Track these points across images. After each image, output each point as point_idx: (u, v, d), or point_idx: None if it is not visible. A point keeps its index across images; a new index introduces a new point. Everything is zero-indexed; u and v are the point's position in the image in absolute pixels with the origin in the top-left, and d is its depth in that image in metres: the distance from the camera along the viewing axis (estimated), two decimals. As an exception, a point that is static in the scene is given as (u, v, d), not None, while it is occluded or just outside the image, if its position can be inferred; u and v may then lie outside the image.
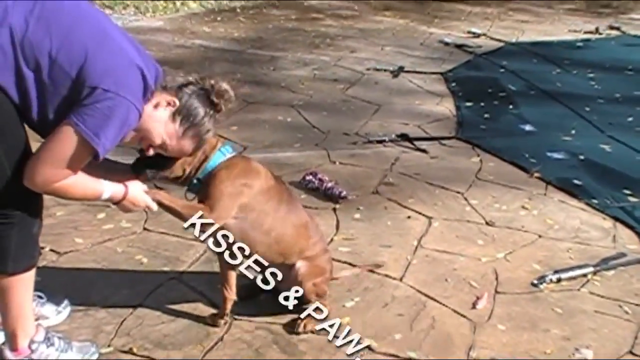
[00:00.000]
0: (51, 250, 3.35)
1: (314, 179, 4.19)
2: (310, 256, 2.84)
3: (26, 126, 2.27)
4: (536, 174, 4.57)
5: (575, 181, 4.49)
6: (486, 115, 5.87)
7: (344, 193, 4.07)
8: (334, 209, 3.97)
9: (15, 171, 2.23)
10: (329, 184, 4.13)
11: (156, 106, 2.41)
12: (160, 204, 2.57)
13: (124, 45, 2.28)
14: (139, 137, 2.45)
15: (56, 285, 3.02)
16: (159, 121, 2.43)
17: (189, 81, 2.54)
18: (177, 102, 2.44)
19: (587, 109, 6.11)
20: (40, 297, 2.82)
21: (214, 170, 2.64)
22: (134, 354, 2.69)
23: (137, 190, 2.51)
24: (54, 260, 3.30)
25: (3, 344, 2.51)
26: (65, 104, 2.19)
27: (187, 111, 2.46)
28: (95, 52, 2.18)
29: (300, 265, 2.81)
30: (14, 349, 2.48)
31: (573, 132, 5.49)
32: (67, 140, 2.18)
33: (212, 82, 2.54)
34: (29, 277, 2.42)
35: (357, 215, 3.91)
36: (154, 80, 2.34)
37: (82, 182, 2.32)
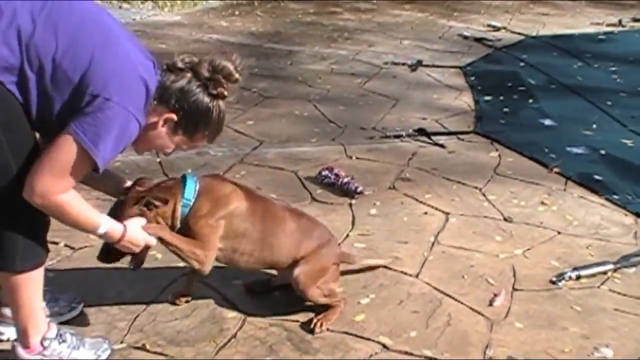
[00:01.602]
0: (65, 245, 3.34)
1: (330, 174, 4.15)
2: (306, 257, 2.82)
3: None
4: (556, 169, 4.50)
5: (596, 176, 4.42)
6: (505, 110, 5.80)
7: (360, 188, 4.03)
8: (350, 205, 3.93)
9: (21, 169, 2.22)
10: (345, 179, 4.10)
11: (155, 126, 2.36)
12: (161, 240, 2.56)
13: (131, 50, 2.25)
14: (151, 148, 2.45)
15: (69, 281, 3.02)
16: (164, 137, 2.40)
17: (183, 75, 2.36)
18: (175, 117, 2.36)
19: (609, 103, 6.01)
20: (52, 292, 2.81)
21: (188, 215, 2.62)
22: (147, 350, 2.67)
23: (136, 230, 2.47)
24: (68, 255, 3.30)
25: (15, 340, 2.50)
26: (66, 109, 2.17)
27: (189, 118, 2.37)
28: (101, 58, 2.15)
29: (298, 274, 2.79)
30: (26, 346, 2.47)
31: (594, 126, 5.41)
32: (66, 149, 2.16)
33: (207, 68, 2.37)
34: (38, 274, 2.41)
35: (373, 211, 3.87)
36: (154, 90, 2.30)
37: (79, 205, 2.28)
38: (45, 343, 2.48)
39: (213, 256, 2.66)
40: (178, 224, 2.61)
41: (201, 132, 2.44)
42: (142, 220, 2.51)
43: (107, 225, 2.37)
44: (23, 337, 2.48)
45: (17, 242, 2.32)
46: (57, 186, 2.18)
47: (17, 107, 2.16)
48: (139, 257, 2.60)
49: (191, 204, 2.60)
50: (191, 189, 2.62)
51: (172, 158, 4.48)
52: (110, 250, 2.54)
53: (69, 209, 2.24)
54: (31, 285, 2.39)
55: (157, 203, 2.54)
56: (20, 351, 2.48)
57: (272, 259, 2.81)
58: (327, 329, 2.80)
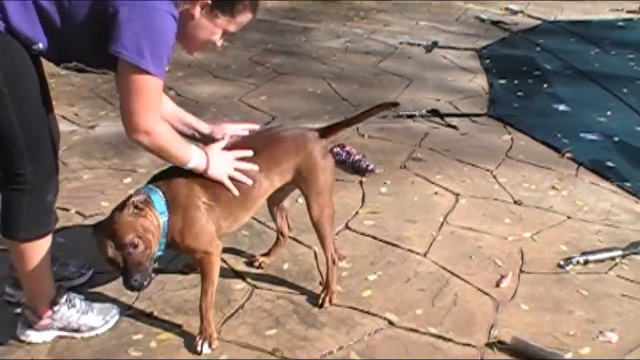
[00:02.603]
0: (77, 212, 3.37)
1: (341, 151, 4.15)
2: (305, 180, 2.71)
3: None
4: (568, 155, 4.48)
5: (608, 163, 4.39)
6: (519, 94, 5.77)
7: (371, 166, 4.03)
8: (361, 182, 3.94)
9: (24, 126, 2.23)
10: (357, 157, 4.10)
11: (192, 16, 2.30)
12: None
13: None
14: (199, 45, 2.41)
15: (80, 247, 3.05)
16: (206, 26, 2.34)
17: None
18: (209, 0, 2.30)
19: (625, 90, 5.96)
20: (63, 258, 2.84)
21: (169, 227, 2.39)
22: (154, 317, 2.70)
23: (215, 168, 2.46)
24: (79, 222, 3.33)
25: (26, 307, 2.53)
26: (96, 27, 2.15)
27: None
28: None
29: (316, 219, 2.75)
30: (35, 310, 2.51)
31: (609, 113, 5.36)
32: (123, 75, 2.17)
33: None
34: (45, 243, 2.43)
35: (384, 190, 3.88)
36: None
37: (175, 138, 2.34)
38: (55, 307, 2.52)
39: (219, 247, 2.55)
40: (162, 241, 2.38)
41: (240, 4, 2.36)
42: (221, 166, 2.47)
43: (196, 160, 2.40)
44: (32, 302, 2.51)
45: (22, 212, 2.34)
46: (143, 116, 2.20)
47: (25, 59, 2.18)
48: (142, 272, 2.27)
49: (166, 218, 2.37)
50: (159, 201, 2.38)
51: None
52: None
53: (169, 140, 2.30)
54: (38, 253, 2.42)
55: (141, 205, 2.30)
56: (30, 315, 2.52)
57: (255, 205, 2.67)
58: (334, 304, 2.81)
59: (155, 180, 2.49)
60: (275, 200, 2.92)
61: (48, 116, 2.32)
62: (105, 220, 2.30)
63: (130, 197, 2.32)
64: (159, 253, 2.38)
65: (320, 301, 2.82)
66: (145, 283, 2.27)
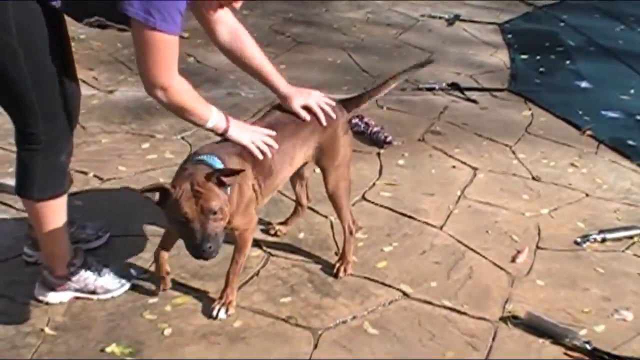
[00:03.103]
0: (95, 176, 3.38)
1: (360, 122, 4.13)
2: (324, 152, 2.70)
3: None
4: (588, 132, 4.44)
5: (629, 142, 4.34)
6: (541, 69, 5.70)
7: (389, 138, 4.01)
8: (378, 154, 3.93)
9: (38, 87, 2.23)
10: (375, 129, 4.08)
11: None
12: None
13: None
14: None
15: (97, 210, 3.07)
16: None
17: None
18: None
19: (649, 68, 5.88)
20: (80, 220, 2.86)
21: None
22: (171, 280, 2.72)
23: (237, 132, 2.45)
24: (96, 186, 3.34)
25: (44, 267, 2.56)
26: None
27: None
28: None
29: (332, 191, 2.76)
30: (52, 271, 2.53)
31: (631, 91, 5.29)
32: (135, 32, 2.17)
33: None
34: (59, 204, 2.45)
35: (401, 162, 3.86)
36: None
37: (194, 96, 2.34)
38: (72, 269, 2.54)
39: (256, 222, 2.57)
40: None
41: None
42: (245, 131, 2.46)
43: (215, 119, 2.40)
44: (49, 262, 2.54)
45: (35, 172, 2.36)
46: (164, 73, 2.21)
47: (39, 13, 2.17)
48: (215, 242, 2.20)
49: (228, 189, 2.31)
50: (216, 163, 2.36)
51: (203, 96, 4.48)
52: None
53: (186, 97, 2.30)
54: (53, 213, 2.43)
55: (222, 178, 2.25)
56: (48, 276, 2.54)
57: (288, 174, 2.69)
58: (350, 274, 2.82)
59: (204, 153, 2.40)
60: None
61: (65, 77, 2.32)
62: (180, 181, 2.21)
63: (197, 163, 2.31)
64: None
65: (335, 271, 2.82)
66: (214, 254, 2.20)
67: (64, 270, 2.53)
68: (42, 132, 2.31)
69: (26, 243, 2.74)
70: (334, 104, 2.71)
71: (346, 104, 2.78)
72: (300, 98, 2.65)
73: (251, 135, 2.47)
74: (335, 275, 2.81)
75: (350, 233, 2.83)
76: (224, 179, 2.23)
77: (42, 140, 2.32)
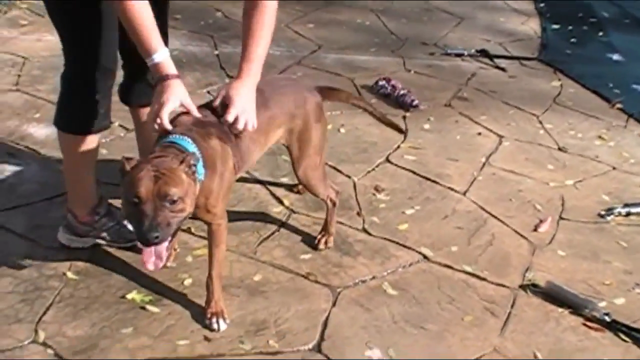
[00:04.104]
0: (120, 125, 3.39)
1: (387, 85, 4.10)
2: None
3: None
4: (618, 105, 4.37)
5: (660, 117, 4.28)
6: (572, 40, 5.61)
7: (416, 102, 3.98)
8: (404, 117, 3.90)
9: (72, 24, 2.29)
10: (402, 92, 4.04)
11: None
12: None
13: None
14: None
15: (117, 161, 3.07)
16: None
17: None
18: None
19: (684, 43, 5.76)
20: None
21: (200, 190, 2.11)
22: (192, 233, 2.74)
23: (178, 91, 2.17)
24: (121, 136, 3.35)
25: (68, 210, 2.58)
26: None
27: None
28: None
29: (302, 175, 2.58)
30: (76, 216, 2.55)
31: (664, 66, 5.20)
32: None
33: None
34: (85, 143, 2.46)
35: (427, 126, 3.83)
36: None
37: (145, 18, 2.12)
38: (95, 217, 2.56)
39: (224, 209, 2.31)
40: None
41: None
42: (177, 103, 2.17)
43: (162, 59, 2.15)
44: (74, 207, 2.57)
45: (66, 103, 2.44)
46: None
47: None
48: (164, 232, 1.94)
49: (202, 177, 2.11)
50: (200, 164, 2.11)
51: (230, 52, 4.48)
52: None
53: (132, 13, 2.11)
54: (78, 150, 2.46)
55: (193, 168, 2.04)
56: (72, 219, 2.56)
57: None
58: (371, 235, 2.82)
59: (177, 132, 2.14)
60: None
61: (104, 18, 2.30)
62: (148, 161, 2.00)
63: (173, 146, 2.08)
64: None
65: (316, 242, 2.74)
66: (165, 248, 2.00)
67: (87, 217, 2.55)
68: (79, 67, 2.37)
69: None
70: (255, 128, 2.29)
71: (323, 91, 2.62)
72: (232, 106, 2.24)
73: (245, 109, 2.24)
74: (316, 247, 2.73)
75: (334, 205, 2.72)
76: (190, 169, 2.01)
77: (77, 75, 2.38)
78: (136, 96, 2.67)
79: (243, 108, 2.21)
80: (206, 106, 2.30)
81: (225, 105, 2.23)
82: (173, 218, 1.95)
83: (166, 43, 2.28)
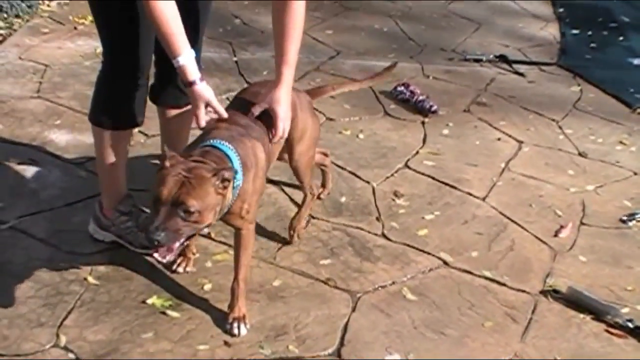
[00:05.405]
0: (139, 132, 3.40)
1: (405, 90, 4.09)
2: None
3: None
4: (639, 110, 4.34)
5: (682, 123, 4.23)
6: (592, 45, 5.57)
7: (434, 107, 3.97)
8: (423, 123, 3.89)
9: (108, 18, 2.34)
10: (420, 97, 4.03)
11: None
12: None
13: None
14: None
15: (141, 165, 3.09)
16: None
17: None
18: None
19: None
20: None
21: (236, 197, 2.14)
22: (211, 239, 2.75)
23: (208, 93, 2.22)
24: (141, 142, 3.37)
25: (98, 200, 2.66)
26: None
27: None
28: None
29: (295, 165, 2.62)
30: (101, 207, 2.63)
31: (685, 71, 5.15)
32: None
33: None
34: (116, 138, 2.50)
35: (446, 132, 3.82)
36: None
37: (172, 19, 2.13)
38: (116, 213, 2.62)
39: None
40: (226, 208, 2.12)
41: None
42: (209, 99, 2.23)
43: (184, 62, 2.16)
44: (102, 197, 2.65)
45: (98, 96, 2.51)
46: None
47: None
48: (170, 238, 1.94)
49: (241, 182, 2.12)
50: (236, 162, 2.12)
51: (248, 58, 4.49)
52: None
53: (157, 13, 2.12)
54: (107, 144, 2.50)
55: (226, 183, 2.01)
56: (97, 210, 2.65)
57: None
58: (391, 240, 2.81)
59: (224, 130, 2.20)
60: None
61: (141, 16, 2.30)
62: (185, 162, 1.99)
63: (213, 151, 2.09)
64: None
65: (289, 238, 2.75)
66: (168, 257, 1.98)
67: (109, 211, 2.61)
68: (111, 62, 2.42)
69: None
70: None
71: (309, 92, 2.77)
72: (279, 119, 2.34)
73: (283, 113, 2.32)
74: (289, 243, 2.74)
75: (313, 197, 2.77)
76: (222, 184, 1.99)
77: (110, 69, 2.44)
78: (164, 97, 2.71)
79: (285, 116, 2.32)
80: (239, 107, 2.37)
81: (253, 104, 2.34)
82: (185, 227, 1.95)
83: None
